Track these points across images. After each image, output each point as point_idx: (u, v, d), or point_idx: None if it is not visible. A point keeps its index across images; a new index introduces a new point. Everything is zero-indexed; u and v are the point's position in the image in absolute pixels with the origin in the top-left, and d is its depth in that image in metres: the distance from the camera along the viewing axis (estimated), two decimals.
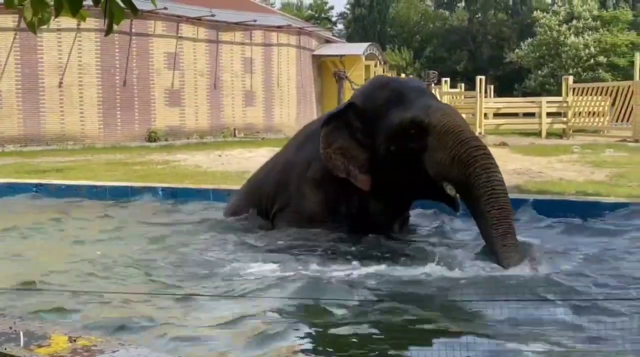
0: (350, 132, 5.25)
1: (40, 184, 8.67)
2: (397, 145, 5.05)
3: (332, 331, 3.58)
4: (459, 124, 4.98)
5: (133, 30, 18.20)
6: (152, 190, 8.06)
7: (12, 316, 2.71)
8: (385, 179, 5.17)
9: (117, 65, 18.28)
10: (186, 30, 19.76)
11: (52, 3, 3.07)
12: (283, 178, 5.73)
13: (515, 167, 10.90)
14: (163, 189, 8.06)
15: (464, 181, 4.80)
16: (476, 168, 4.75)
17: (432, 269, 4.66)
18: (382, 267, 4.74)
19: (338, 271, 4.68)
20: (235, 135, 20.69)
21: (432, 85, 12.09)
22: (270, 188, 5.82)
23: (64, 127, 17.58)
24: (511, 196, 4.98)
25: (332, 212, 5.42)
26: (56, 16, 3.16)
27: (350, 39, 41.56)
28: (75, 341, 2.46)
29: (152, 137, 18.67)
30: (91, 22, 17.38)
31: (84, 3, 3.08)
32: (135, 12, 3.10)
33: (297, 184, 5.58)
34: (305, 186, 5.51)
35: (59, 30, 17.00)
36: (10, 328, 2.52)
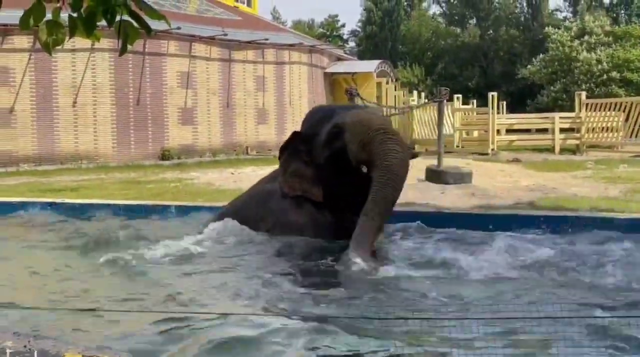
0: (298, 156, 6.13)
1: (54, 203, 8.71)
2: (329, 151, 5.91)
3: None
4: (368, 118, 5.90)
5: (146, 49, 18.35)
6: (165, 208, 8.09)
7: (27, 335, 2.72)
8: (331, 185, 5.95)
9: (131, 85, 18.42)
10: (199, 49, 19.89)
11: (67, 24, 3.11)
12: (263, 202, 6.43)
13: (529, 183, 10.87)
14: (176, 207, 8.09)
15: (367, 158, 5.60)
16: (374, 143, 5.54)
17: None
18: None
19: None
20: (247, 153, 20.75)
21: (444, 102, 12.06)
22: (253, 211, 6.45)
23: (77, 146, 17.70)
24: None
25: (314, 222, 6.07)
26: (70, 37, 3.19)
27: (361, 56, 41.63)
28: None
29: (165, 155, 18.75)
30: (105, 42, 17.51)
31: (98, 23, 3.12)
32: (149, 32, 3.13)
33: (279, 203, 6.25)
34: (286, 202, 6.18)
35: (73, 50, 17.18)
36: (25, 347, 2.52)
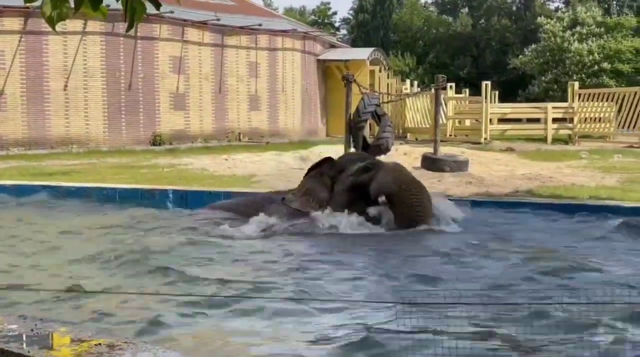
0: (321, 179, 6.84)
1: (49, 186, 8.59)
2: (353, 180, 6.69)
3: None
4: (399, 169, 6.82)
5: (138, 33, 18.13)
6: (162, 193, 8.00)
7: (33, 318, 2.64)
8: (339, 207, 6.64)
9: (122, 69, 18.22)
10: (191, 34, 19.71)
11: None
12: (260, 205, 6.97)
13: (525, 172, 10.85)
14: (173, 191, 8.00)
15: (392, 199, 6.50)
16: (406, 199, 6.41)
17: None
18: None
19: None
20: (240, 140, 20.61)
21: (441, 90, 12.01)
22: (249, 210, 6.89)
23: (68, 131, 17.52)
24: None
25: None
26: (75, 11, 3.08)
27: (353, 44, 41.43)
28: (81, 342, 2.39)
29: (156, 140, 18.60)
30: (96, 26, 17.35)
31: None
32: (158, 7, 3.03)
33: (275, 207, 6.79)
34: (282, 209, 6.70)
35: (64, 33, 16.94)
36: (32, 330, 2.44)
